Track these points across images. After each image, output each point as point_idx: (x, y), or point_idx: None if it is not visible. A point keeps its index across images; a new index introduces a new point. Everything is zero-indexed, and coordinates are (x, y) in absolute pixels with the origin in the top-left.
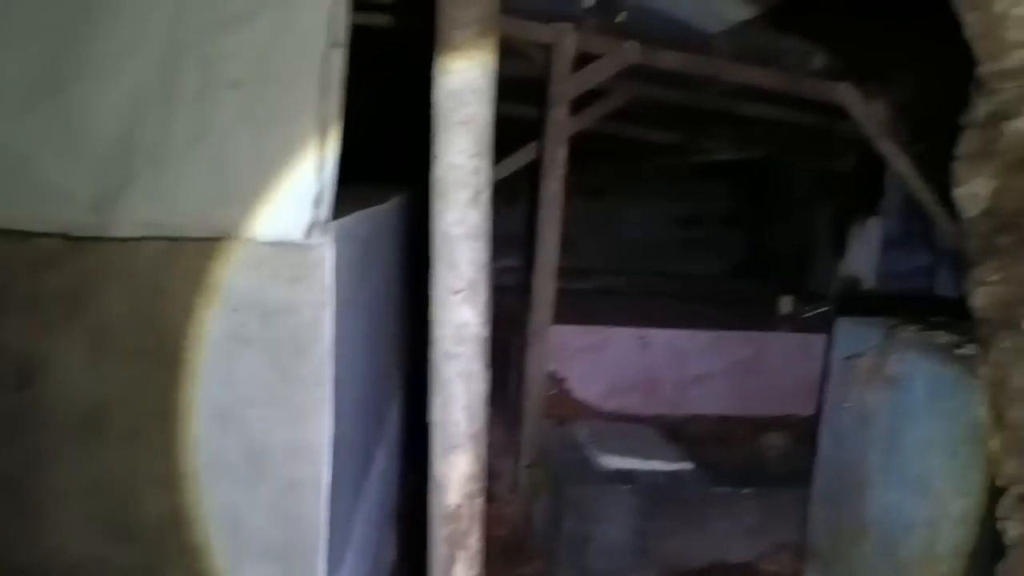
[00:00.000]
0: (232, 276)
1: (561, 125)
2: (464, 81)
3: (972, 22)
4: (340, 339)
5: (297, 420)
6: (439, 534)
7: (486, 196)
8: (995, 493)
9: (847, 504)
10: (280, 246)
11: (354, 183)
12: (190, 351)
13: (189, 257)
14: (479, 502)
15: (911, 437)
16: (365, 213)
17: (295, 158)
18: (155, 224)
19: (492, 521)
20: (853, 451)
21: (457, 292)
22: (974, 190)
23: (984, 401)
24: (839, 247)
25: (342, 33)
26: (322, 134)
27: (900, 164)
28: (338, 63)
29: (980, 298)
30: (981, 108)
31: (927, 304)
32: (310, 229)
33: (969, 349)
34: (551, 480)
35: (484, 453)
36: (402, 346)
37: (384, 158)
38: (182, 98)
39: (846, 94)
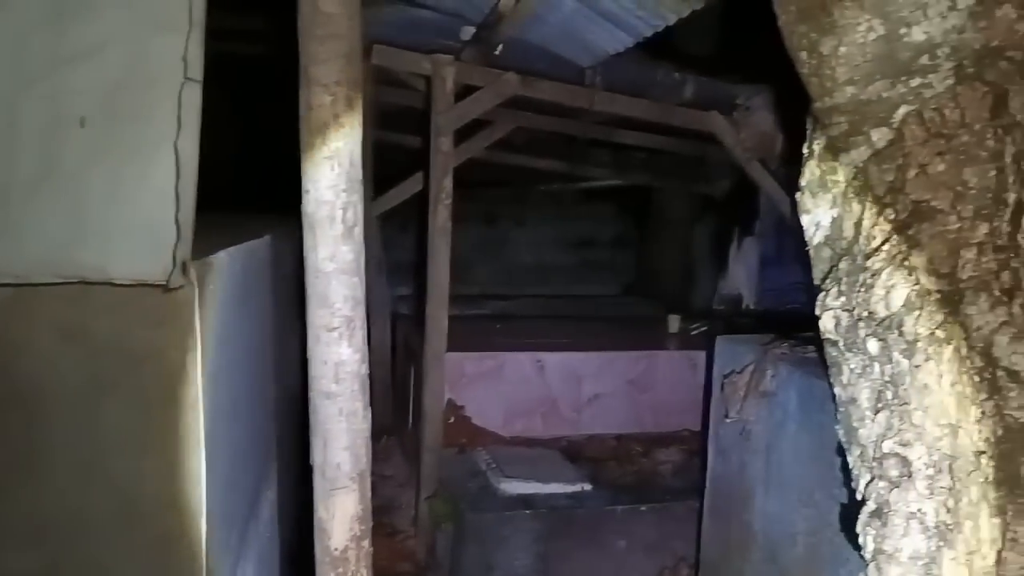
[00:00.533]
0: (90, 321)
1: (446, 155)
2: (329, 116)
3: (803, 61)
4: (212, 382)
5: (169, 470)
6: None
7: (359, 231)
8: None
9: (734, 516)
10: (141, 288)
11: (233, 215)
12: (49, 401)
13: (42, 302)
14: (366, 544)
15: (788, 449)
16: (238, 249)
17: (152, 197)
18: (1, 270)
19: (394, 555)
20: (736, 465)
21: (332, 329)
22: (816, 219)
23: (838, 419)
24: (720, 266)
25: (198, 69)
26: (179, 171)
27: (769, 187)
28: (194, 99)
29: (827, 322)
30: (817, 141)
31: (801, 319)
32: (171, 269)
33: None
34: (453, 510)
35: (369, 493)
36: (288, 384)
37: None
38: (27, 136)
39: (715, 122)
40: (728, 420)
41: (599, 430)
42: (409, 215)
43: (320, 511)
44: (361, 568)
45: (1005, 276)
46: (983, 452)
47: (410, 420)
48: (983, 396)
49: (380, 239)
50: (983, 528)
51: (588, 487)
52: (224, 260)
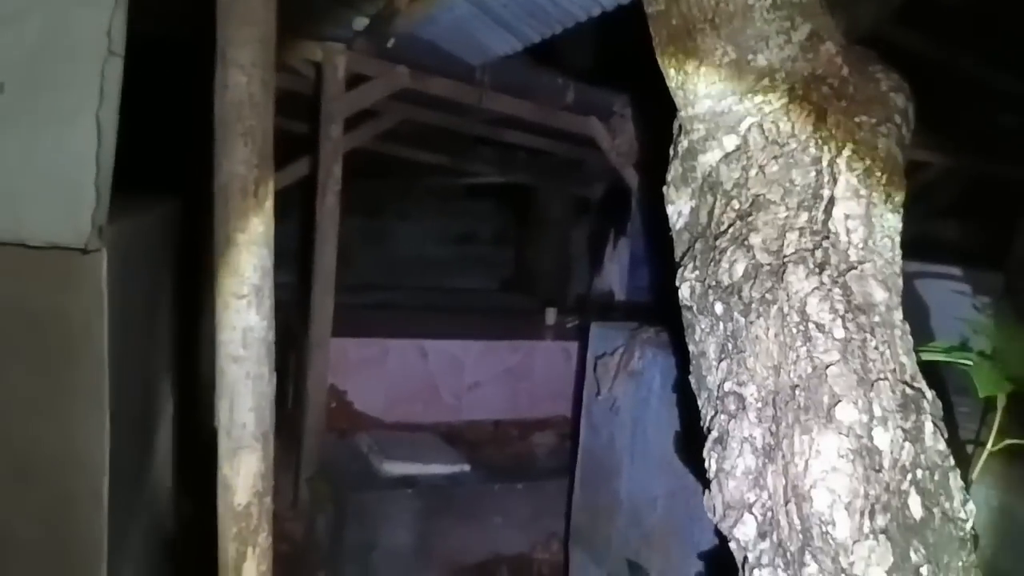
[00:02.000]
0: None
1: (336, 141)
2: (244, 95)
3: (671, 76)
4: (116, 344)
5: (72, 430)
6: (228, 533)
7: (269, 204)
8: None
9: (603, 486)
10: (50, 252)
11: (128, 188)
12: None
13: None
14: (268, 500)
15: (651, 421)
16: (140, 219)
17: (70, 163)
18: None
19: (274, 537)
20: (606, 438)
21: (241, 297)
22: (678, 209)
23: (692, 371)
24: (594, 264)
25: (121, 43)
26: (99, 140)
27: (642, 189)
28: (116, 71)
29: (684, 291)
30: (681, 144)
31: (665, 310)
32: (84, 234)
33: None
34: (333, 491)
35: (272, 453)
36: (174, 351)
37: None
38: None
39: (593, 127)
40: (599, 397)
41: (479, 416)
42: (290, 202)
43: (224, 468)
44: (263, 523)
45: (818, 253)
46: (797, 386)
47: (289, 404)
48: (798, 343)
49: None
50: (795, 444)
51: (467, 468)
52: (131, 226)
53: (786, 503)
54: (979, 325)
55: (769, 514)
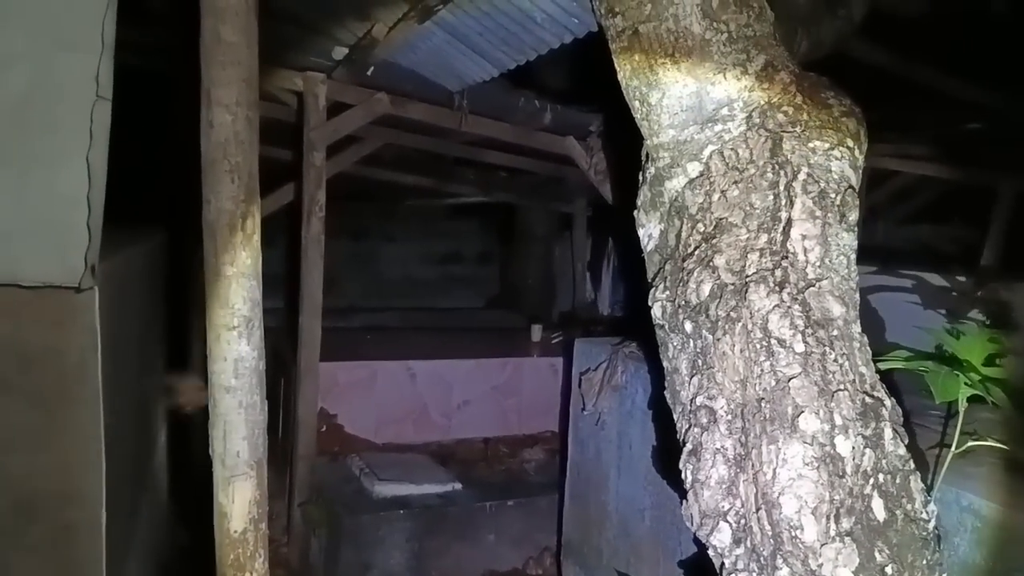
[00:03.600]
0: None
1: (319, 168)
2: (230, 133)
3: (637, 108)
4: (110, 380)
5: (69, 465)
6: (225, 560)
7: (256, 237)
8: None
9: (592, 499)
10: (44, 291)
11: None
12: None
13: None
14: (263, 526)
15: (636, 435)
16: (130, 254)
17: (61, 204)
18: None
19: (269, 563)
20: (593, 452)
21: (232, 329)
22: (649, 232)
23: (667, 387)
24: (578, 280)
25: (108, 87)
26: (90, 182)
27: (617, 210)
28: (104, 115)
29: (656, 311)
30: (649, 171)
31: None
32: (77, 273)
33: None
34: (327, 515)
35: (266, 480)
36: (165, 380)
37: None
38: None
39: (571, 147)
40: (585, 412)
41: (468, 434)
42: (276, 228)
43: (220, 496)
44: (259, 548)
45: (778, 273)
46: (763, 399)
47: (280, 430)
48: (762, 358)
49: None
50: (764, 454)
51: (459, 486)
52: (121, 262)
53: (757, 510)
54: (939, 333)
55: (743, 521)
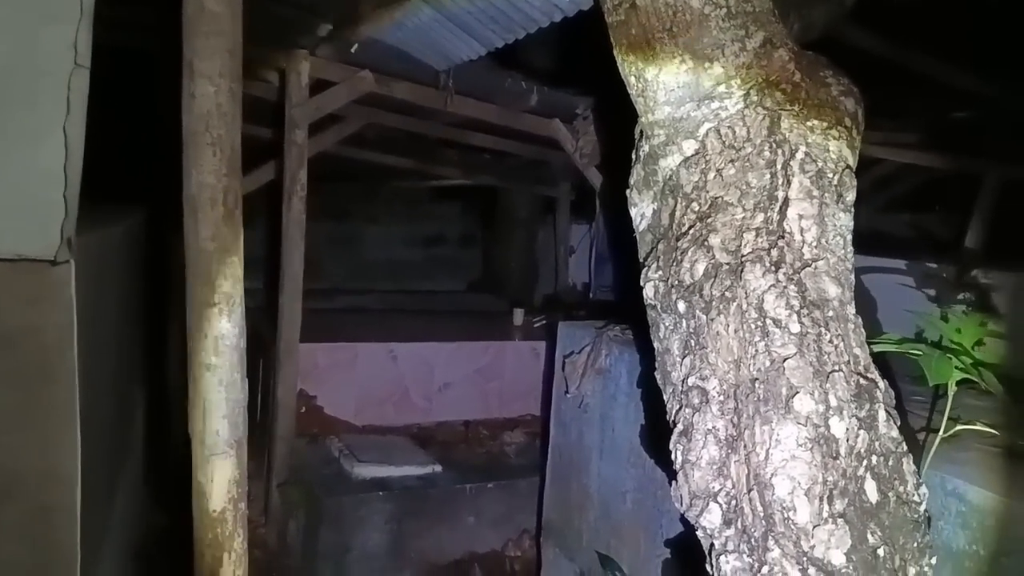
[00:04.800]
0: None
1: (300, 147)
2: (212, 105)
3: (632, 84)
4: (86, 357)
5: (45, 444)
6: (204, 539)
7: (238, 213)
8: None
9: (573, 482)
10: (19, 264)
11: (96, 198)
12: None
13: None
14: (243, 506)
15: (619, 418)
16: (110, 231)
17: (38, 176)
18: None
19: (247, 544)
20: (575, 435)
21: (213, 305)
22: (641, 211)
23: (657, 367)
24: (561, 264)
25: (87, 56)
26: (66, 153)
27: (604, 190)
28: (82, 84)
29: (648, 291)
30: (642, 149)
31: (631, 309)
32: (53, 246)
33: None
34: (306, 496)
35: (246, 459)
36: (143, 359)
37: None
38: None
39: (557, 129)
40: (568, 395)
41: (449, 417)
42: (256, 208)
43: (199, 475)
44: (238, 528)
45: (774, 252)
46: (756, 379)
47: (259, 411)
48: (756, 338)
49: None
50: (757, 435)
51: (439, 469)
52: (100, 238)
53: (749, 491)
54: (930, 317)
55: (733, 502)
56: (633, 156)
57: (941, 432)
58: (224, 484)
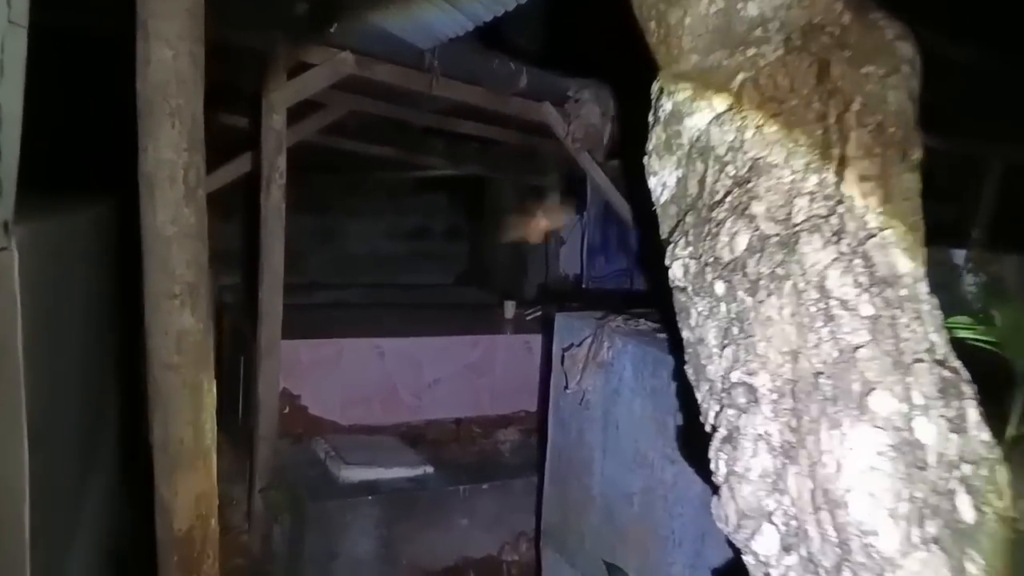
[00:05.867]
0: None
1: (279, 133)
2: (171, 72)
3: (652, 31)
4: (33, 356)
5: None
6: (168, 561)
7: (201, 193)
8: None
9: (574, 482)
10: None
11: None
12: None
13: None
14: (214, 523)
15: (623, 414)
16: (66, 219)
17: None
18: None
19: (228, 551)
20: (576, 433)
21: (174, 297)
22: (662, 180)
23: (688, 359)
24: (551, 255)
25: (23, 12)
26: (1, 123)
27: (597, 177)
28: (19, 45)
29: (676, 271)
30: (663, 108)
31: (628, 299)
32: None
33: (666, 333)
34: (290, 501)
35: (215, 470)
36: (117, 361)
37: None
38: None
39: (547, 113)
40: (568, 391)
41: (439, 414)
42: (234, 202)
43: (162, 489)
44: (207, 548)
45: (833, 220)
46: (821, 373)
47: (240, 412)
48: (819, 324)
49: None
50: (823, 441)
51: (430, 470)
52: (55, 227)
53: (816, 511)
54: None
55: (794, 523)
56: (651, 118)
57: (1015, 431)
58: (191, 499)
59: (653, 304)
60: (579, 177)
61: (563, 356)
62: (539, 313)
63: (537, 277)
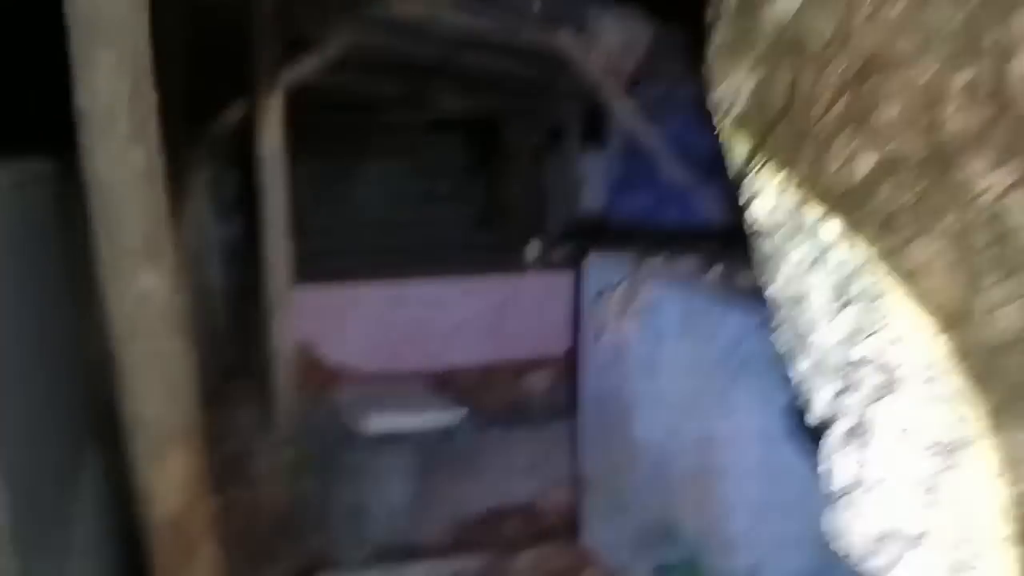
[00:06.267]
0: None
1: (273, 68)
2: None
3: None
4: None
5: None
6: (159, 552)
7: (153, 128)
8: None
9: (615, 434)
10: None
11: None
12: None
13: None
14: (207, 504)
15: (668, 363)
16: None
17: None
18: None
19: (253, 509)
20: (615, 382)
21: (129, 253)
22: (734, 87)
23: (777, 323)
24: (573, 191)
25: None
26: None
27: (621, 107)
28: None
29: (759, 207)
30: None
31: (658, 237)
32: None
33: (713, 274)
34: (316, 453)
35: (201, 447)
36: (93, 333)
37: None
38: None
39: (564, 41)
40: (604, 338)
41: (464, 359)
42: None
43: (142, 476)
44: (204, 532)
45: (1000, 130)
46: (1002, 345)
47: (254, 365)
48: (996, 277)
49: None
50: (1006, 442)
51: (459, 416)
52: None
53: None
54: None
55: (956, 553)
56: (711, 12)
57: None
58: (177, 482)
59: (688, 243)
60: (600, 109)
61: (597, 300)
62: (568, 251)
63: (560, 216)
